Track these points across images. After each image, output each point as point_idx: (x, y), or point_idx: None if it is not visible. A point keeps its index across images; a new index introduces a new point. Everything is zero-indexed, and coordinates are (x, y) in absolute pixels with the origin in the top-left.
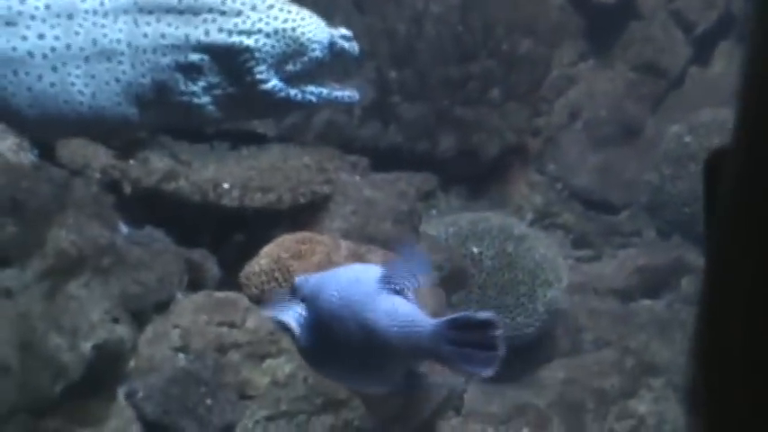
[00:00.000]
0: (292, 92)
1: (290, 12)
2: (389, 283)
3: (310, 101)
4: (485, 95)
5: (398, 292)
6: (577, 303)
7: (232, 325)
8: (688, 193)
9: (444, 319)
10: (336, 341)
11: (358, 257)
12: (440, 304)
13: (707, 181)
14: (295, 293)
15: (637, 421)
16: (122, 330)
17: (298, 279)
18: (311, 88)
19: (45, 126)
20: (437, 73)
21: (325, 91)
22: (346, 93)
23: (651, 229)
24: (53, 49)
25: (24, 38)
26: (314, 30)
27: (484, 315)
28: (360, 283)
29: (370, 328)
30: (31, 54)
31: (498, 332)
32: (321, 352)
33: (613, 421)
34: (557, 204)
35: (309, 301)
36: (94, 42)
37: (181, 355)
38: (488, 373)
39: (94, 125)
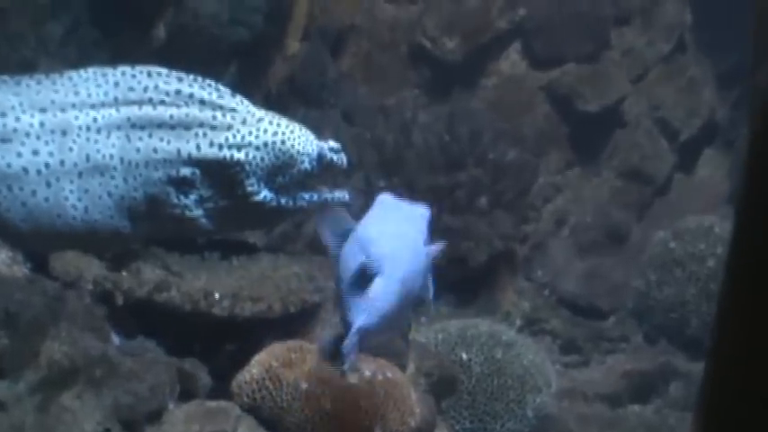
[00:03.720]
0: (283, 201)
1: (279, 125)
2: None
3: (301, 206)
4: (472, 203)
5: None
6: (566, 409)
7: None
8: (674, 299)
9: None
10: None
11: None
12: (430, 411)
13: None
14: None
15: None
16: None
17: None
18: (301, 194)
19: (39, 239)
20: (425, 181)
21: (315, 195)
22: (336, 194)
23: (638, 335)
24: (47, 165)
25: (19, 154)
26: (303, 142)
27: None
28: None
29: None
30: (25, 170)
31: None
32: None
33: None
34: (545, 310)
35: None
36: (88, 158)
37: None
38: None
39: (87, 238)
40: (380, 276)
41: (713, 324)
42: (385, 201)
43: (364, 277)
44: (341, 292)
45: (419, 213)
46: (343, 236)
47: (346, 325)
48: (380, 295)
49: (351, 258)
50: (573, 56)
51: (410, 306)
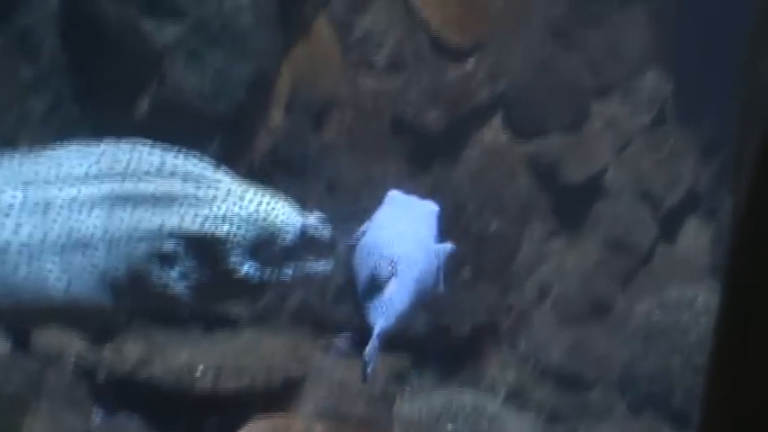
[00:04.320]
0: (267, 274)
1: (262, 198)
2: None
3: (285, 279)
4: (456, 275)
5: None
6: None
7: None
8: (658, 370)
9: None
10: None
11: None
12: None
13: None
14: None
15: None
16: None
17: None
18: (285, 267)
19: (20, 315)
20: None
21: (299, 266)
22: (320, 264)
23: (622, 406)
24: (29, 240)
25: (1, 230)
26: (286, 215)
27: None
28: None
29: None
30: (7, 245)
31: None
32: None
33: None
34: (529, 381)
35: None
36: (70, 233)
37: None
38: None
39: (69, 313)
40: (395, 277)
41: (701, 397)
42: (395, 198)
43: (380, 281)
44: (357, 294)
45: (429, 210)
46: (358, 235)
47: (364, 326)
48: (396, 296)
49: (364, 259)
50: (555, 127)
51: (424, 301)
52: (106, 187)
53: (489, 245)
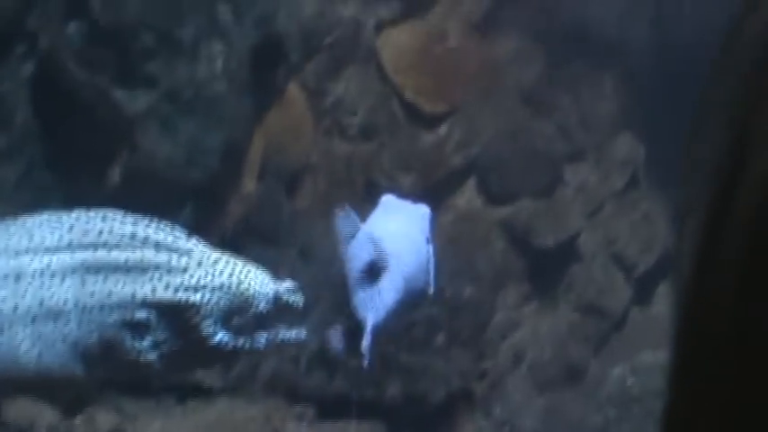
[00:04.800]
0: (239, 342)
1: (234, 266)
2: None
3: (258, 347)
4: (429, 341)
5: None
6: None
7: None
8: None
9: None
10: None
11: None
12: None
13: None
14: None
15: None
16: None
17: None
18: (258, 335)
19: None
20: None
21: (272, 334)
22: (293, 332)
23: None
24: (0, 310)
25: None
26: (258, 284)
27: None
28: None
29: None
30: None
31: None
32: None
33: None
34: None
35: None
36: (41, 303)
37: None
38: None
39: (41, 383)
40: (386, 273)
41: None
42: (389, 201)
43: (371, 275)
44: (350, 289)
45: (421, 213)
46: (354, 236)
47: (357, 320)
48: (387, 291)
49: (357, 257)
50: (528, 191)
51: (414, 301)
52: (78, 257)
53: (463, 310)
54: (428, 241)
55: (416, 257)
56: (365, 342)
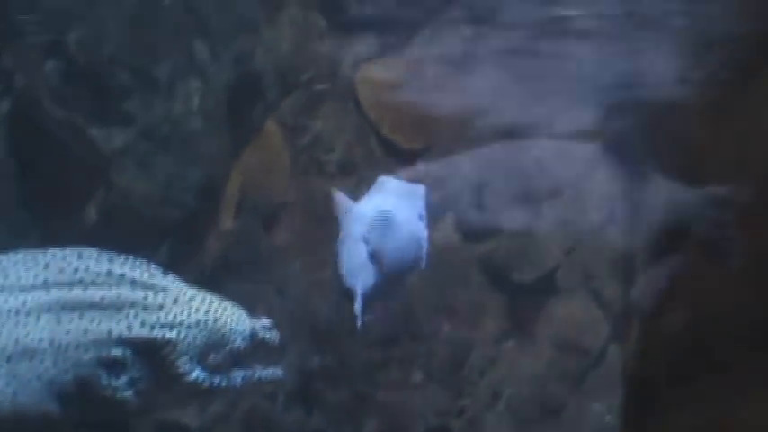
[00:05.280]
0: (216, 380)
1: (211, 303)
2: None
3: (234, 385)
4: (407, 378)
5: None
6: None
7: None
8: None
9: None
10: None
11: None
12: None
13: None
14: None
15: None
16: None
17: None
18: (234, 372)
19: None
20: (359, 357)
21: (248, 373)
22: (269, 371)
23: None
24: None
25: None
26: (234, 321)
27: None
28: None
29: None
30: None
31: None
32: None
33: None
34: None
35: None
36: (17, 342)
37: None
38: None
39: (16, 423)
40: (373, 245)
41: None
42: (384, 181)
43: (360, 246)
44: (340, 258)
45: (415, 191)
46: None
47: (346, 288)
48: (374, 261)
49: (348, 230)
50: (506, 227)
51: (405, 272)
52: (53, 295)
53: (440, 348)
54: (421, 218)
55: (407, 231)
56: (356, 306)
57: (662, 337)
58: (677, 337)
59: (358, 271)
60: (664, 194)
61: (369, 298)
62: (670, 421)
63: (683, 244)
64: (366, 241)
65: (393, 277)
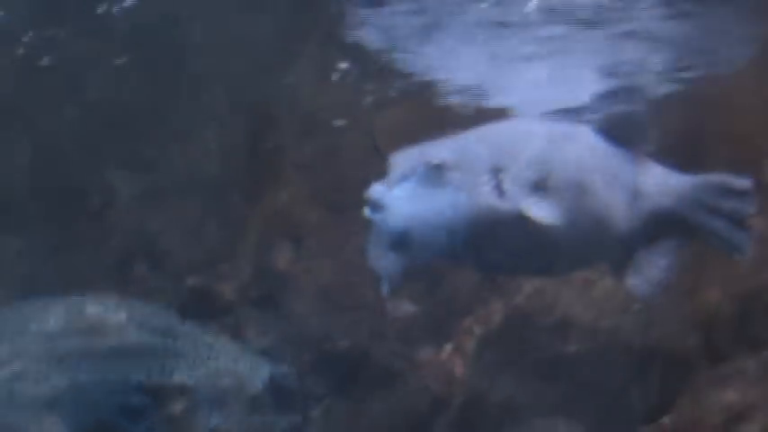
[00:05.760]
0: (234, 426)
1: (229, 351)
2: None
3: None
4: None
5: None
6: None
7: None
8: None
9: None
10: None
11: None
12: None
13: None
14: None
15: None
16: None
17: None
18: (252, 419)
19: None
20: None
21: (266, 419)
22: (288, 418)
23: None
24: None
25: None
26: (253, 368)
27: None
28: None
29: None
30: None
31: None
32: None
33: None
34: None
35: None
36: (38, 387)
37: None
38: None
39: None
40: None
41: None
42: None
43: (385, 240)
44: (370, 248)
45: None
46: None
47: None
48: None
49: (379, 226)
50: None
51: (440, 247)
52: (73, 342)
53: None
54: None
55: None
56: (384, 290)
57: (698, 315)
58: (715, 316)
59: (379, 261)
60: (659, 179)
61: (395, 283)
62: (709, 399)
63: (679, 230)
64: (389, 239)
65: (419, 260)
